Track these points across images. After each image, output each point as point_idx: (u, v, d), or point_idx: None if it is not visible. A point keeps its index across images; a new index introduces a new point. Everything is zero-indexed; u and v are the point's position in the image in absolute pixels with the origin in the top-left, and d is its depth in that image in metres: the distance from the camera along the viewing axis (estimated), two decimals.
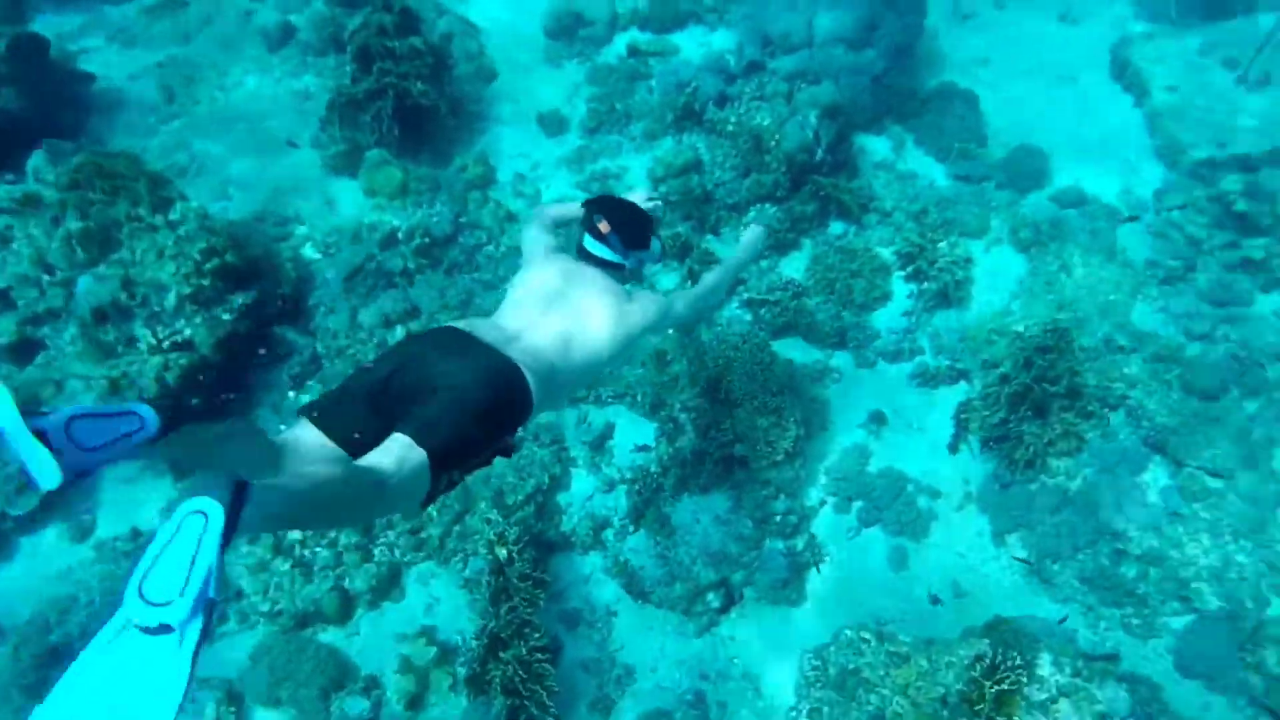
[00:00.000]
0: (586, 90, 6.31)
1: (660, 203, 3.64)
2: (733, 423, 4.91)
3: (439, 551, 4.72)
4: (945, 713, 3.88)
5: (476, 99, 6.41)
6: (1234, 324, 5.16)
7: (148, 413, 1.90)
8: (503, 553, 4.27)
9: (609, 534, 4.83)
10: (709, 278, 3.53)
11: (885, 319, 5.50)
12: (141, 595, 1.41)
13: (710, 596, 4.59)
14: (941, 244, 5.51)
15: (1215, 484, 4.88)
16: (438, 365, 2.56)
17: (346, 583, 4.64)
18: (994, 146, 5.92)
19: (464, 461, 2.50)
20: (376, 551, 4.74)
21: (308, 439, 2.33)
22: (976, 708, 3.72)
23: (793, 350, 5.47)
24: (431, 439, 2.30)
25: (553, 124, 6.24)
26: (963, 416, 5.14)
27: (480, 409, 2.50)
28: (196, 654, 1.42)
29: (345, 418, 2.40)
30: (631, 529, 4.89)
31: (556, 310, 3.01)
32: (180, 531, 1.49)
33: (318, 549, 4.69)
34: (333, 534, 4.60)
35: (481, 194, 6.05)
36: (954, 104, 5.96)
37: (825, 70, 5.91)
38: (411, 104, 6.01)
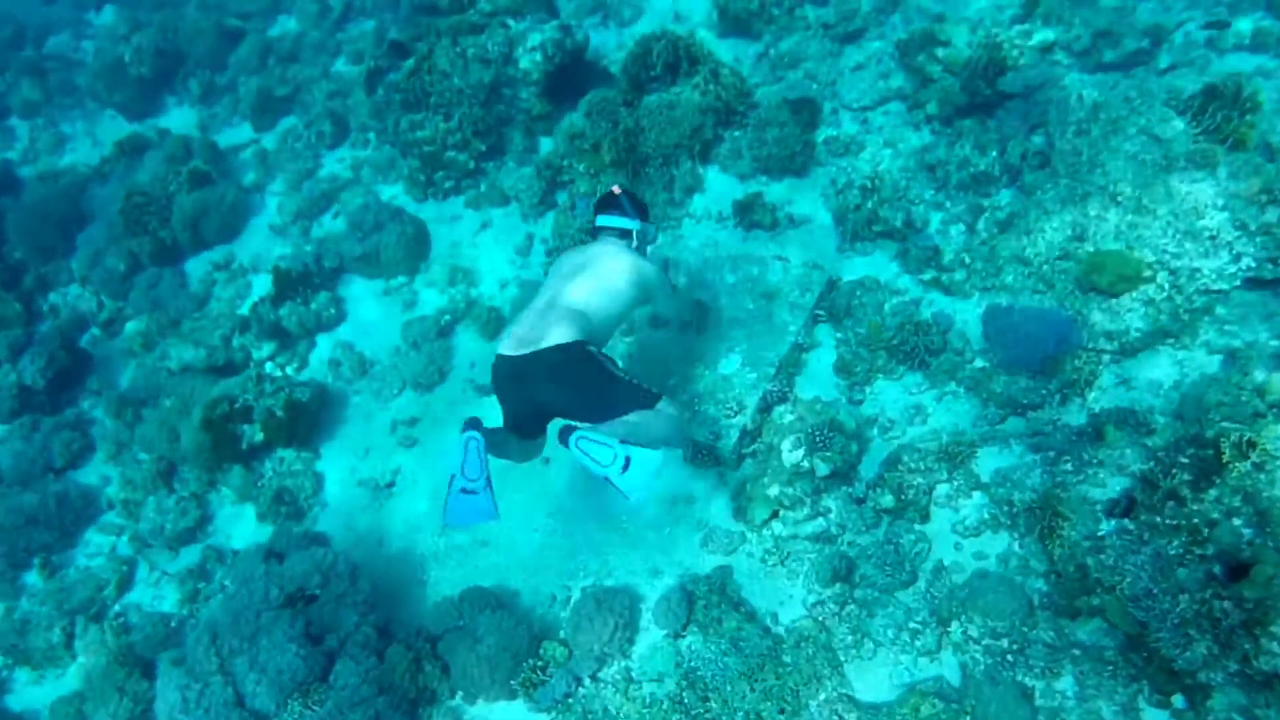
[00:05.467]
0: None
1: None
2: None
3: None
4: None
5: None
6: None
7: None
8: None
9: None
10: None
11: None
12: (464, 474, 3.30)
13: None
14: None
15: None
16: (530, 393, 3.45)
17: None
18: None
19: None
20: None
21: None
22: None
23: None
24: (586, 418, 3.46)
25: None
26: None
27: (575, 385, 3.36)
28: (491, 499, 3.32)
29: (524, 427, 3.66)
30: None
31: (580, 275, 3.58)
32: (467, 449, 3.32)
33: None
34: None
35: None
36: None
37: None
38: None
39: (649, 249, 4.05)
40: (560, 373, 3.31)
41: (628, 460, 3.09)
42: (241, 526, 5.08)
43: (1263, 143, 4.00)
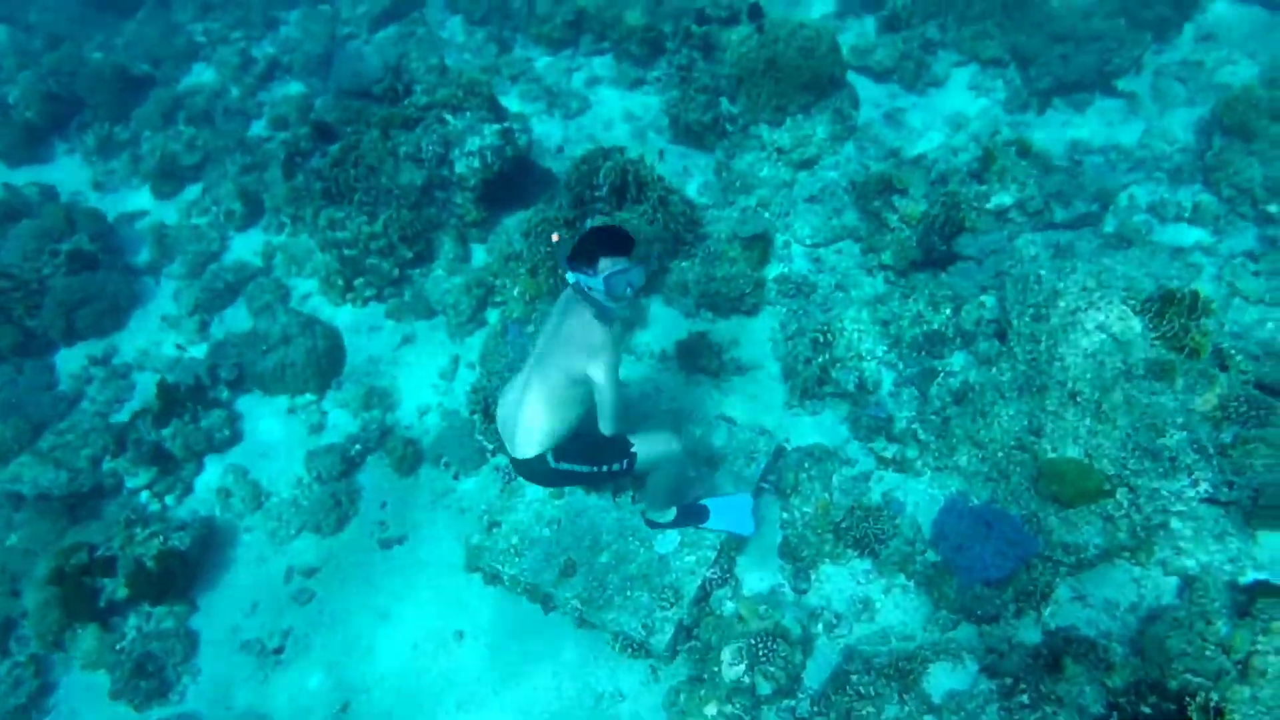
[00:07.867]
0: None
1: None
2: None
3: None
4: None
5: None
6: None
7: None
8: None
9: None
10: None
11: None
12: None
13: None
14: None
15: None
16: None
17: None
18: None
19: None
20: None
21: None
22: None
23: None
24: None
25: None
26: None
27: (558, 482, 3.64)
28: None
29: None
30: None
31: (547, 358, 3.24)
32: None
33: None
34: None
35: None
36: None
37: None
38: None
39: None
40: (539, 478, 3.47)
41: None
42: (89, 703, 4.23)
43: (1215, 349, 3.88)
